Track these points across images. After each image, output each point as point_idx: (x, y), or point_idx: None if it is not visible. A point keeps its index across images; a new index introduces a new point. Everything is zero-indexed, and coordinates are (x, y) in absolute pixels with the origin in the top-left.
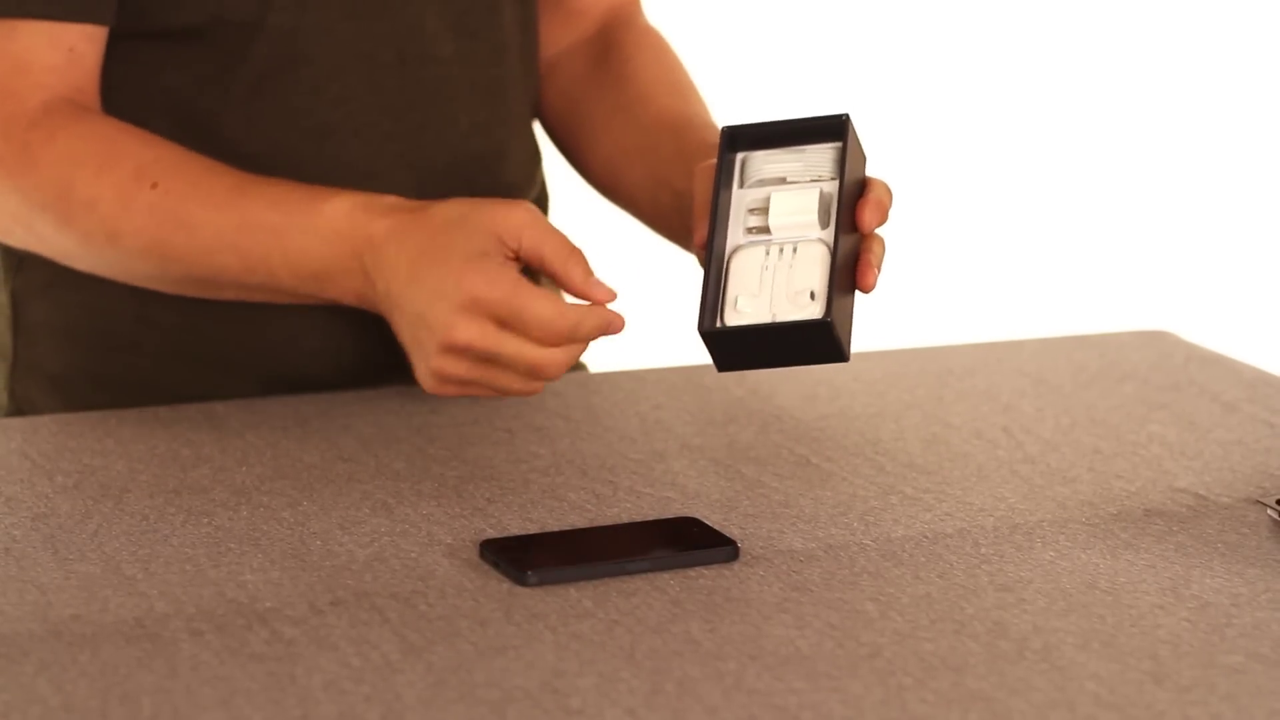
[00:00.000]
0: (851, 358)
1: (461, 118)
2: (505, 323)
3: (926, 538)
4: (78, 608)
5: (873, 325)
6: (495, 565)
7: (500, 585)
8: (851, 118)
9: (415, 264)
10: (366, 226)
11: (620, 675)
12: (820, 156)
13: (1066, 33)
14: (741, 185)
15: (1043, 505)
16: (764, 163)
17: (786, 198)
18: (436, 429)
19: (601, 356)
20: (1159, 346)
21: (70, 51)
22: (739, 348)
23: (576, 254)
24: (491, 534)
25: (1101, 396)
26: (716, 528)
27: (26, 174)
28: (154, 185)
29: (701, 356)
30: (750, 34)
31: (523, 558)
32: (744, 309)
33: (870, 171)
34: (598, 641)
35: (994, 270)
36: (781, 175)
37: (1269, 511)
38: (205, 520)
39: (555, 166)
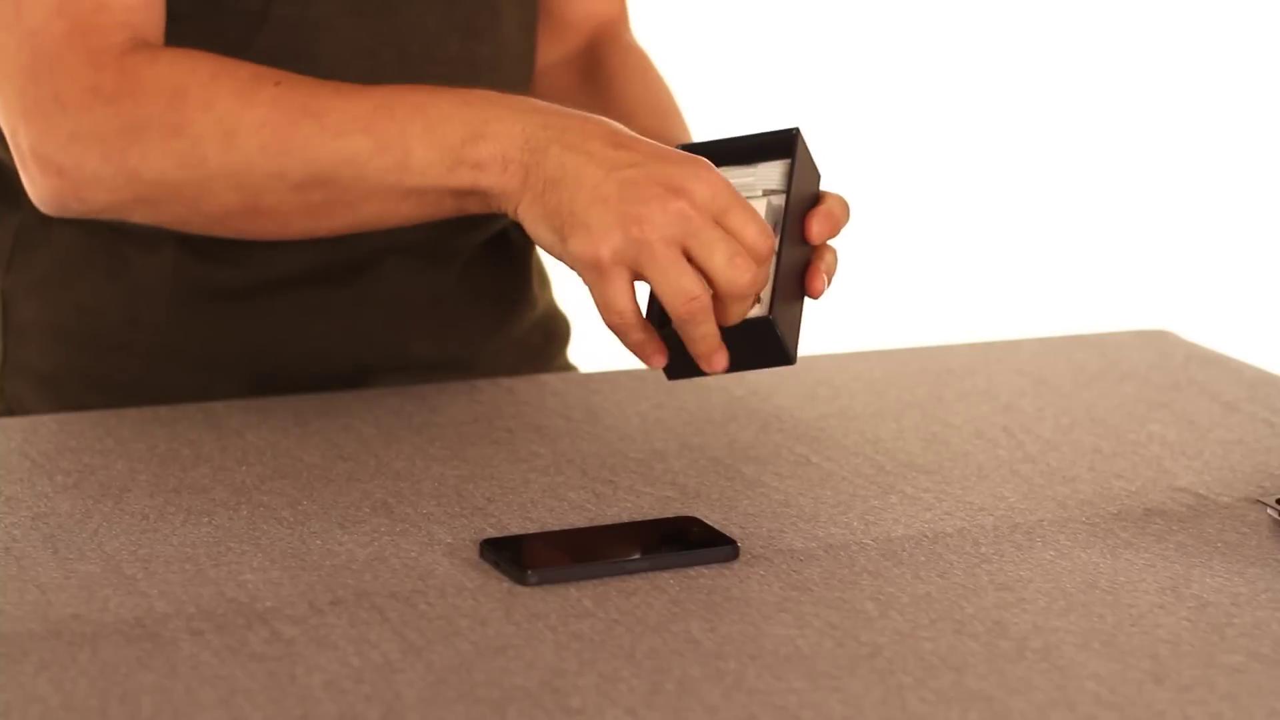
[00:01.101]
0: (848, 356)
1: None
2: (728, 212)
3: (926, 537)
4: (78, 607)
5: (873, 325)
6: (495, 565)
7: (500, 585)
8: (802, 133)
9: (618, 134)
10: (535, 102)
11: (620, 675)
12: (771, 171)
13: (1066, 33)
14: None
15: (1043, 505)
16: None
17: None
18: (436, 429)
19: (602, 356)
20: (1159, 346)
21: None
22: (688, 354)
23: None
24: (491, 534)
25: (1101, 396)
26: (716, 528)
27: (130, 94)
28: (277, 84)
29: None
30: (750, 33)
31: (523, 557)
32: None
33: (868, 172)
34: (598, 641)
35: (994, 270)
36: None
37: (1269, 511)
38: (205, 520)
39: None
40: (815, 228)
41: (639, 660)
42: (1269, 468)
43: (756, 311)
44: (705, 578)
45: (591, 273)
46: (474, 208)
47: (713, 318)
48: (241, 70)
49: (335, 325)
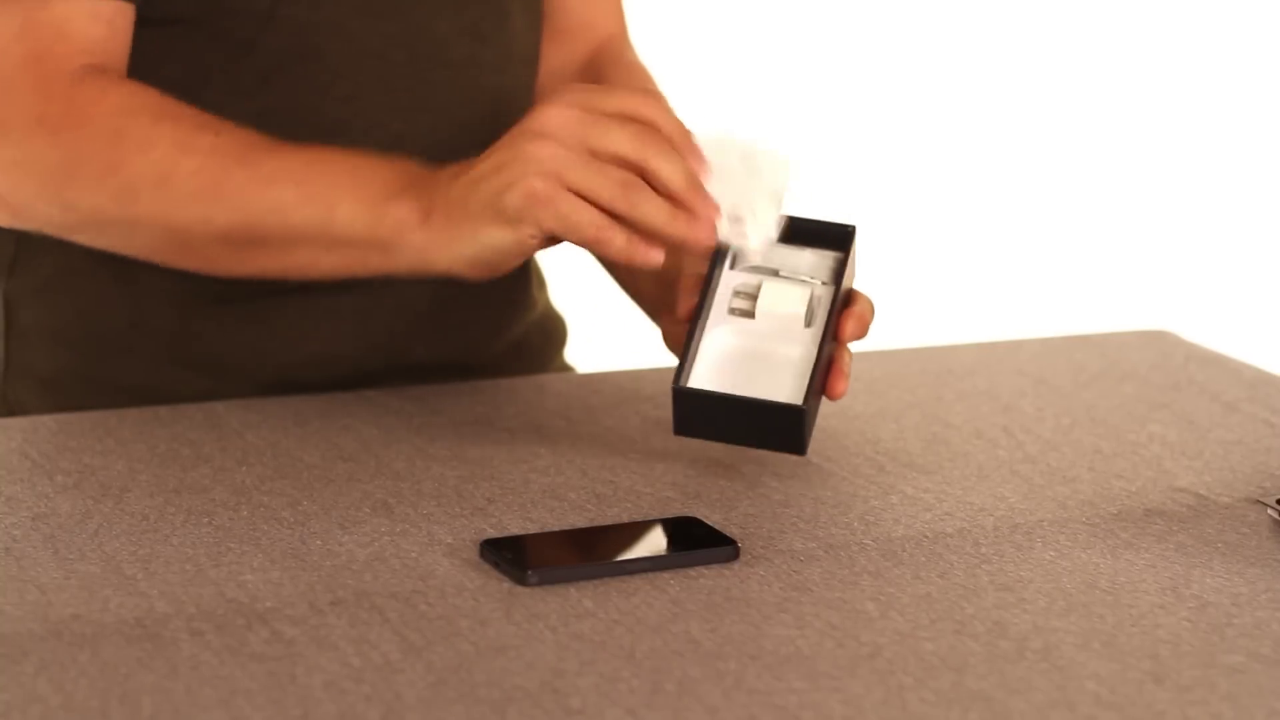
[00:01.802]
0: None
1: (469, 122)
2: (593, 105)
3: (926, 538)
4: (78, 607)
5: (873, 325)
6: (495, 565)
7: (500, 585)
8: (857, 230)
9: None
10: (442, 163)
11: (620, 675)
12: (819, 260)
13: (1066, 32)
14: (733, 267)
15: (1043, 505)
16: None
17: (779, 288)
18: (436, 429)
19: (601, 357)
20: (1159, 346)
21: (109, 25)
22: (703, 414)
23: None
24: (491, 534)
25: (1101, 396)
26: (716, 528)
27: (73, 128)
28: (218, 133)
29: None
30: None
31: (523, 558)
32: (716, 381)
33: (868, 172)
34: (598, 641)
35: (994, 270)
36: (775, 268)
37: (1269, 511)
38: (205, 520)
39: None
40: (850, 328)
41: (639, 660)
42: (1269, 468)
43: (789, 397)
44: (705, 578)
45: (534, 231)
46: (400, 266)
47: (643, 195)
48: (185, 118)
49: (339, 330)
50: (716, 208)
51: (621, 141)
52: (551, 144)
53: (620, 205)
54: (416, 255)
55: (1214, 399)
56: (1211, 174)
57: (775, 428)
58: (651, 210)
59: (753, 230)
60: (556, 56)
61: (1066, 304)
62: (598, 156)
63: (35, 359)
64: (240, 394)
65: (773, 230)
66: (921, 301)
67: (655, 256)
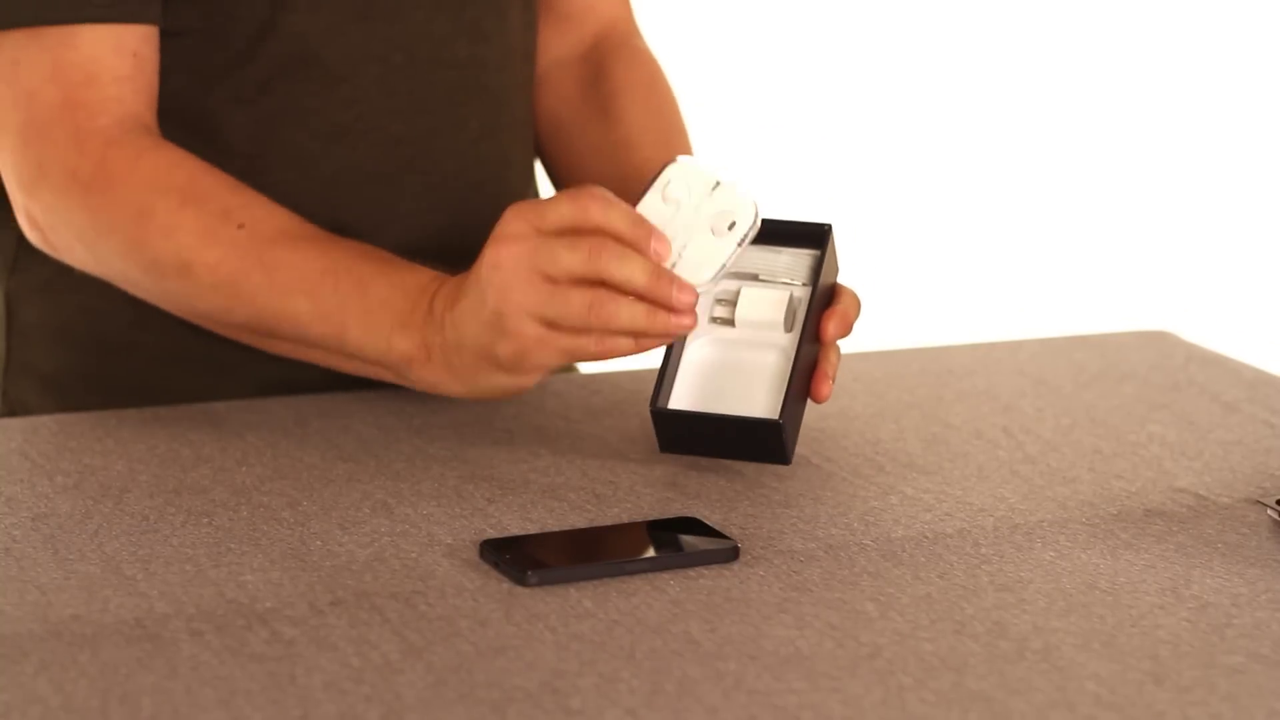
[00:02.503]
0: (848, 356)
1: (471, 123)
2: (542, 219)
3: (926, 538)
4: (78, 608)
5: (873, 325)
6: (495, 565)
7: (500, 585)
8: (833, 228)
9: (461, 278)
10: (438, 278)
11: (620, 675)
12: (796, 260)
13: (1066, 32)
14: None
15: (1043, 505)
16: (740, 255)
17: (756, 294)
18: (436, 429)
19: None
20: (1159, 346)
21: (135, 57)
22: (685, 432)
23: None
24: (491, 534)
25: (1101, 396)
26: (716, 528)
27: (103, 192)
28: (240, 226)
29: None
30: (749, 32)
31: (523, 558)
32: (696, 396)
33: (868, 172)
34: (598, 641)
35: (994, 270)
36: (754, 272)
37: (1269, 511)
38: (205, 520)
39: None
40: (831, 329)
41: (639, 660)
42: (1269, 468)
43: (765, 411)
44: (705, 578)
45: (542, 362)
46: (418, 387)
47: (614, 308)
48: (212, 202)
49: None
50: (688, 287)
51: (573, 262)
52: (514, 287)
53: (596, 326)
54: (428, 386)
55: (1214, 399)
56: (1211, 174)
57: (756, 441)
58: (627, 319)
59: (704, 266)
60: (559, 44)
61: (1066, 304)
62: (556, 281)
63: (36, 357)
64: (240, 393)
65: (726, 263)
66: (922, 301)
67: (682, 322)
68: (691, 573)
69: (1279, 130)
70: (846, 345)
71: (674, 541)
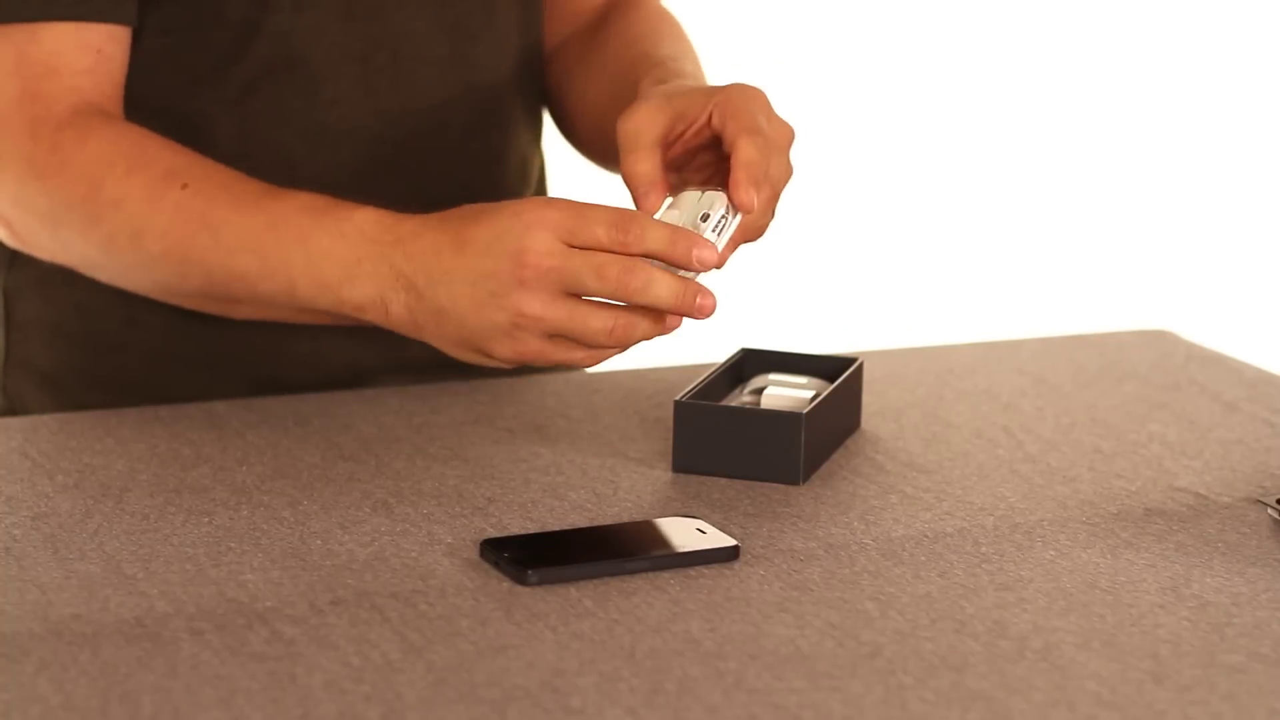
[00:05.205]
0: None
1: (455, 121)
2: (575, 235)
3: (926, 537)
4: (78, 607)
5: (873, 325)
6: (495, 565)
7: (500, 585)
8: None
9: (461, 233)
10: (395, 227)
11: (620, 675)
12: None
13: (1066, 32)
14: (742, 379)
15: (1043, 505)
16: (767, 378)
17: (783, 391)
18: (436, 429)
19: None
20: (1159, 346)
21: (98, 54)
22: (706, 431)
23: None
24: (491, 534)
25: (1101, 396)
26: (716, 528)
27: (57, 174)
28: (184, 186)
29: (703, 356)
30: (750, 31)
31: (523, 558)
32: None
33: (868, 171)
34: (598, 641)
35: (994, 270)
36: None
37: (1269, 511)
38: (205, 520)
39: (556, 170)
40: (742, 196)
41: (639, 660)
42: (1269, 468)
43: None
44: (705, 578)
45: (528, 360)
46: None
47: (638, 323)
48: (156, 166)
49: (332, 327)
50: (712, 297)
51: (601, 290)
52: (534, 298)
53: (610, 345)
54: (392, 330)
55: (1214, 399)
56: (1211, 174)
57: (773, 447)
58: (640, 335)
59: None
60: (569, 30)
61: (1066, 304)
62: (578, 302)
63: (34, 353)
64: (235, 390)
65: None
66: (921, 301)
67: (699, 312)
68: (692, 572)
69: (1279, 130)
70: (847, 345)
71: (674, 541)
